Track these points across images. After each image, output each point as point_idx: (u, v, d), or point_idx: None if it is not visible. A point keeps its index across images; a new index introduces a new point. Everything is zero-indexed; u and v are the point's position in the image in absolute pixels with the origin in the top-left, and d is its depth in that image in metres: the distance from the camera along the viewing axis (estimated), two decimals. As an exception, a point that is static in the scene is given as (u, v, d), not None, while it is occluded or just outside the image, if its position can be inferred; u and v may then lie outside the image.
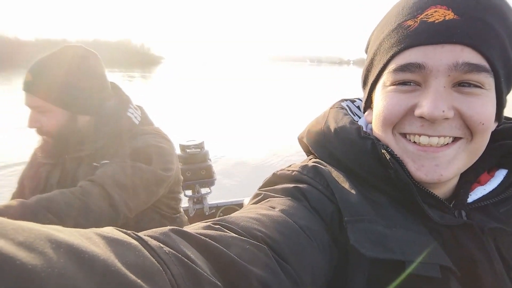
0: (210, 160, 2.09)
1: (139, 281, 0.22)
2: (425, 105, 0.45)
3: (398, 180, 0.47)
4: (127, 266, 0.23)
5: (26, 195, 1.19)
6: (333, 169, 0.53)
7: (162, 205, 1.25)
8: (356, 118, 0.62)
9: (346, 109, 0.61)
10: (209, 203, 2.11)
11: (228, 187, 4.20)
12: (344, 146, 0.54)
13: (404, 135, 0.50)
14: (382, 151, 0.49)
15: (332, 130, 0.56)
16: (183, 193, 1.92)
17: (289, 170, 0.55)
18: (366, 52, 0.58)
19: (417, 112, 0.46)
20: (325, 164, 0.55)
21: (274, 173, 0.56)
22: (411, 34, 0.46)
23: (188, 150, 2.02)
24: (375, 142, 0.50)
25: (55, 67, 1.06)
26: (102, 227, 0.28)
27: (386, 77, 0.50)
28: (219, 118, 8.38)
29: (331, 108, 0.62)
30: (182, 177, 1.36)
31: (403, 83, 0.48)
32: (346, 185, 0.49)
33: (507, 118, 0.57)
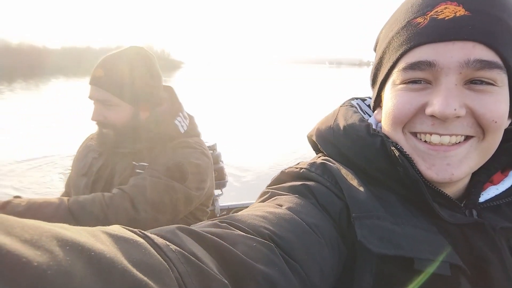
0: (222, 162, 2.10)
1: (145, 279, 0.22)
2: (436, 103, 0.44)
3: (407, 178, 0.47)
4: (133, 264, 0.23)
5: (72, 176, 1.30)
6: (341, 166, 0.53)
7: (189, 215, 1.27)
8: (366, 116, 0.62)
9: (356, 107, 0.61)
10: (220, 205, 2.10)
11: (239, 189, 4.23)
12: (353, 144, 0.53)
13: (414, 134, 0.49)
14: (391, 148, 0.48)
15: (341, 128, 0.56)
16: (211, 207, 1.95)
17: (297, 168, 0.54)
18: (375, 50, 0.58)
19: (428, 110, 0.45)
20: (334, 161, 0.54)
21: (282, 171, 0.56)
22: (421, 32, 0.45)
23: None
24: (385, 139, 0.50)
25: (124, 64, 1.14)
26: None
27: (395, 76, 0.49)
28: (236, 119, 8.45)
29: (341, 106, 0.62)
30: (214, 192, 1.38)
31: (413, 81, 0.47)
32: (354, 182, 0.49)
33: None
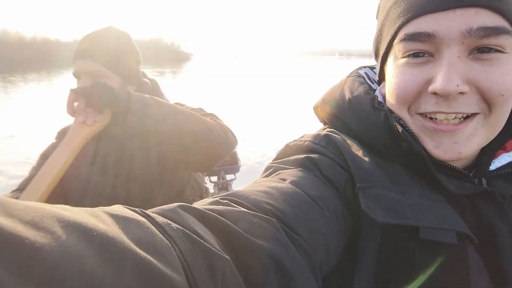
0: None
1: (148, 256, 0.22)
2: (438, 80, 0.41)
3: (411, 153, 0.46)
4: (136, 242, 0.23)
5: (71, 174, 1.19)
6: (346, 138, 0.51)
7: (187, 188, 1.30)
8: (374, 85, 0.59)
9: (363, 77, 0.59)
10: (234, 189, 2.16)
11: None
12: (357, 117, 0.52)
13: (420, 114, 0.47)
14: (394, 123, 0.47)
15: (346, 100, 0.54)
16: (207, 178, 1.99)
17: (301, 141, 0.54)
18: (377, 18, 0.55)
19: (430, 88, 0.43)
20: (339, 133, 0.53)
21: (286, 145, 0.55)
22: (419, 2, 0.43)
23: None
24: (388, 114, 0.48)
25: (109, 38, 1.16)
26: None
27: (396, 48, 0.46)
28: (243, 112, 8.50)
29: (348, 76, 0.60)
30: (227, 177, 1.42)
31: (415, 54, 0.44)
32: (359, 153, 0.48)
33: None
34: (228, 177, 2.15)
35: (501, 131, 0.47)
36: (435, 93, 0.43)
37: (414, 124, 0.47)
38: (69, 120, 1.13)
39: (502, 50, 0.41)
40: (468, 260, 0.40)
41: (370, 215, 0.40)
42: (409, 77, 0.45)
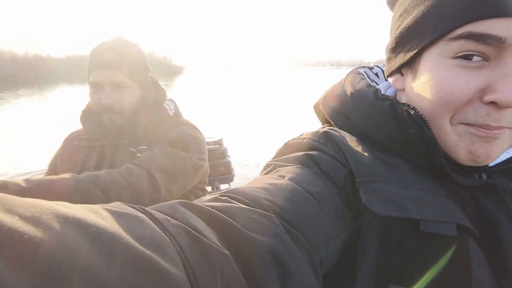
0: (228, 156, 2.14)
1: (149, 252, 0.23)
2: (505, 90, 0.38)
3: (419, 140, 0.45)
4: (136, 238, 0.23)
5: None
6: (346, 134, 0.51)
7: (192, 195, 1.31)
8: (373, 84, 0.57)
9: (363, 75, 0.58)
10: None
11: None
12: (360, 110, 0.51)
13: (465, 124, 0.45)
14: (404, 108, 0.45)
15: (349, 94, 0.54)
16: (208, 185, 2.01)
17: (300, 138, 0.54)
18: (392, 5, 0.53)
19: (490, 97, 0.40)
20: (338, 130, 0.53)
21: (285, 143, 0.55)
22: (494, 2, 0.40)
23: (207, 147, 2.09)
24: (395, 102, 0.47)
25: (128, 48, 1.16)
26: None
27: (449, 46, 0.42)
28: (235, 120, 8.54)
29: (348, 74, 0.60)
30: (209, 170, 1.41)
31: (469, 56, 0.41)
32: (359, 148, 0.48)
33: None
34: (223, 186, 2.16)
35: None
36: (490, 103, 0.40)
37: (453, 133, 0.45)
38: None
39: None
40: (469, 253, 0.40)
41: (371, 209, 0.40)
42: (463, 83, 0.41)
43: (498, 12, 0.39)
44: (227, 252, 0.29)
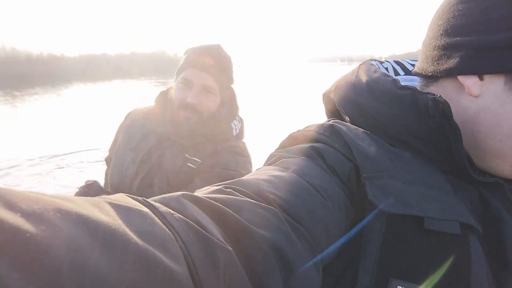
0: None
1: (151, 249, 0.22)
2: None
3: (440, 132, 0.44)
4: (138, 234, 0.23)
5: (120, 146, 1.29)
6: (352, 127, 0.50)
7: None
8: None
9: (376, 66, 0.57)
10: None
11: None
12: (376, 98, 0.50)
13: None
14: (429, 96, 0.44)
15: (364, 82, 0.52)
16: None
17: (305, 131, 0.53)
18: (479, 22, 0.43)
19: None
20: (344, 123, 0.52)
21: (290, 135, 0.55)
22: None
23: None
24: (417, 91, 0.46)
25: (224, 58, 1.21)
26: None
27: None
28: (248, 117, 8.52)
29: (360, 64, 0.59)
30: None
31: None
32: (365, 141, 0.47)
33: None
34: None
35: None
36: None
37: None
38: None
39: None
40: (470, 251, 0.40)
41: (377, 205, 0.40)
42: None
43: None
44: (230, 248, 0.29)
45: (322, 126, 0.52)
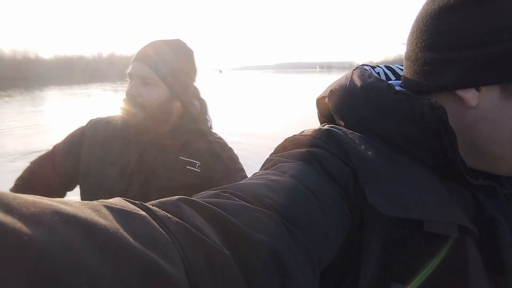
0: None
1: (149, 252, 0.23)
2: None
3: (436, 136, 0.45)
4: (136, 238, 0.23)
5: (91, 161, 1.21)
6: (348, 131, 0.51)
7: None
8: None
9: (369, 72, 0.57)
10: None
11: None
12: (371, 103, 0.51)
13: None
14: (425, 101, 0.45)
15: (359, 87, 0.53)
16: None
17: (301, 135, 0.53)
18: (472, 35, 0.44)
19: None
20: (340, 128, 0.53)
21: (286, 139, 0.55)
22: None
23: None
24: (412, 97, 0.47)
25: (171, 49, 1.18)
26: None
27: None
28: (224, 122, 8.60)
29: (354, 69, 0.59)
30: None
31: None
32: (362, 146, 0.48)
33: None
34: None
35: None
36: None
37: None
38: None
39: None
40: (467, 253, 0.41)
41: (378, 209, 0.41)
42: None
43: None
44: (228, 252, 0.29)
45: (318, 131, 0.52)
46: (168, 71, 1.16)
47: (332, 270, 0.43)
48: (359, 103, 0.52)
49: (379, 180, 0.43)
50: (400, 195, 0.42)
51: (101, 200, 0.26)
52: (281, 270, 0.32)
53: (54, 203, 0.20)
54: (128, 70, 1.17)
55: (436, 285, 0.40)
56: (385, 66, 0.63)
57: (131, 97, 1.13)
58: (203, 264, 0.27)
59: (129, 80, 1.17)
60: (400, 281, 0.40)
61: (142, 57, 1.15)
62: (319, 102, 0.62)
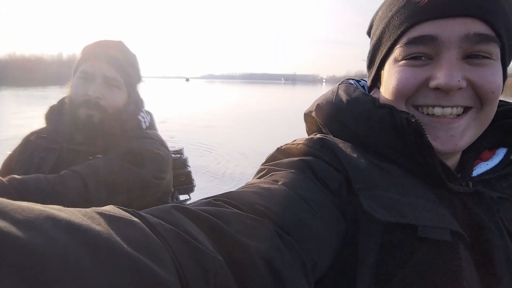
0: (189, 166, 2.10)
1: (142, 258, 0.22)
2: (441, 76, 0.45)
3: (417, 147, 0.47)
4: (129, 243, 0.23)
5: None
6: (340, 141, 0.53)
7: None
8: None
9: (354, 86, 0.61)
10: None
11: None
12: (357, 117, 0.53)
13: (416, 107, 0.50)
14: (405, 116, 0.48)
15: (345, 101, 0.55)
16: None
17: (293, 144, 0.54)
18: (369, 34, 0.60)
19: (433, 83, 0.46)
20: (331, 137, 0.54)
21: (278, 148, 0.56)
22: (422, 9, 0.47)
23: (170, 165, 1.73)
24: (394, 110, 0.50)
25: (126, 51, 1.16)
26: None
27: (397, 52, 0.50)
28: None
29: (339, 84, 0.62)
30: (172, 189, 1.34)
31: (415, 57, 0.48)
32: (355, 155, 0.49)
33: (505, 102, 0.59)
34: (182, 197, 2.03)
35: (477, 142, 0.53)
36: (436, 89, 0.47)
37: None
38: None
39: (490, 57, 0.47)
40: (460, 257, 0.42)
41: (373, 215, 0.42)
42: (410, 74, 0.49)
43: (429, 16, 0.46)
44: (221, 258, 0.29)
45: (311, 139, 0.53)
46: (127, 73, 1.14)
47: (329, 277, 0.45)
48: (346, 116, 0.55)
49: (372, 187, 0.45)
50: (394, 201, 0.44)
51: (94, 208, 0.26)
52: (274, 276, 0.32)
53: (47, 209, 0.21)
54: (84, 68, 1.08)
55: None
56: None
57: (94, 100, 1.06)
58: (196, 270, 0.27)
59: (82, 80, 1.08)
60: (396, 285, 0.41)
61: (105, 56, 1.09)
62: (307, 116, 0.66)
